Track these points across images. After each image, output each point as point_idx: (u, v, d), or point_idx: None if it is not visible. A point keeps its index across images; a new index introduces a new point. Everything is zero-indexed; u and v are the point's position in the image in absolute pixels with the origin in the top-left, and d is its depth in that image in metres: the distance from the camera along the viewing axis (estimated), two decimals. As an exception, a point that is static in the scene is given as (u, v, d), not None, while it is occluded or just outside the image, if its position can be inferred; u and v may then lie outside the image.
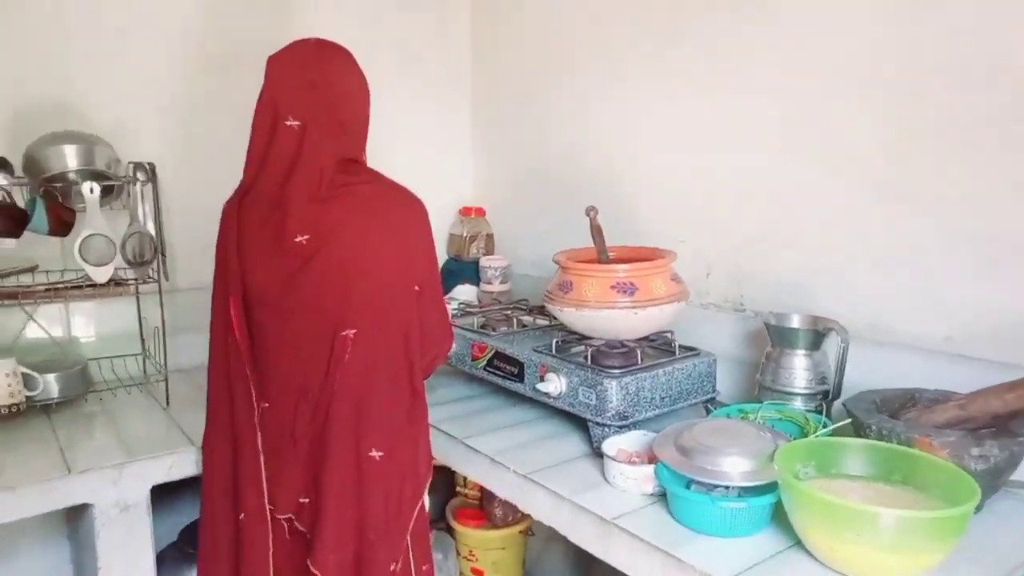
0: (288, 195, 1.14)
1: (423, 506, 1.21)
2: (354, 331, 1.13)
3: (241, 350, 1.18)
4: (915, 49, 1.22)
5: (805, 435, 1.13)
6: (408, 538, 1.18)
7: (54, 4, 1.59)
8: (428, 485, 1.21)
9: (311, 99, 1.15)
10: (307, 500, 1.16)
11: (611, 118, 1.78)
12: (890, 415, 1.07)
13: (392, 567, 1.15)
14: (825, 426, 1.12)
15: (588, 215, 1.36)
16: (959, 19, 1.17)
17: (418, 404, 1.20)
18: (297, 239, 1.13)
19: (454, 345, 1.36)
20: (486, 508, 1.85)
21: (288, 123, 1.14)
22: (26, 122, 1.54)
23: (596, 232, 1.37)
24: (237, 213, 1.20)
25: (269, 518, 1.19)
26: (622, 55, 1.73)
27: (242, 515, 1.19)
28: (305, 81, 1.15)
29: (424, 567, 1.22)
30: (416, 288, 1.19)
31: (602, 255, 1.39)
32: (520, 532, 1.86)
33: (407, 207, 1.20)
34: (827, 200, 1.36)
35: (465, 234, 2.13)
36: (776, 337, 1.30)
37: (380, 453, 1.14)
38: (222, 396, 1.22)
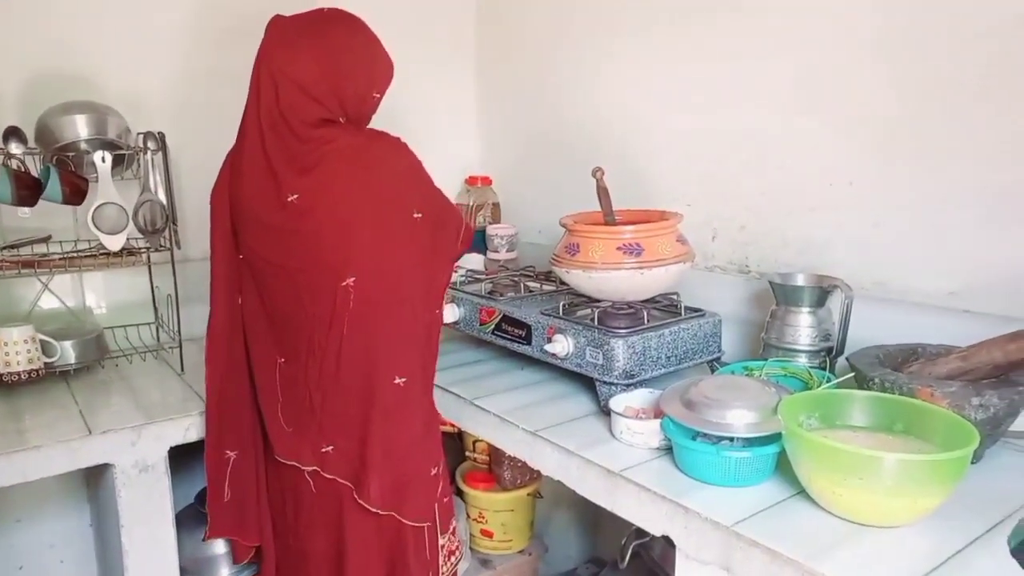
0: (271, 157, 1.18)
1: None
2: (353, 279, 1.16)
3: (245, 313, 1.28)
4: (922, 6, 1.22)
5: (809, 390, 1.15)
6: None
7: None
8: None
9: (290, 61, 1.16)
10: (330, 448, 1.21)
11: (617, 83, 1.78)
12: (893, 369, 1.09)
13: (433, 471, 1.26)
14: (829, 381, 1.14)
15: (595, 176, 1.37)
16: (965, -25, 1.17)
17: (432, 334, 1.27)
18: (289, 199, 1.16)
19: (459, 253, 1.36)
20: (495, 471, 1.88)
21: (265, 83, 1.17)
22: (39, 92, 1.55)
23: (603, 194, 1.38)
24: (229, 176, 1.25)
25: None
26: (628, 18, 1.73)
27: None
28: (289, 43, 1.17)
29: (445, 499, 1.30)
30: (417, 215, 1.20)
31: (608, 217, 1.40)
32: (528, 495, 1.89)
33: (389, 148, 1.21)
34: (832, 160, 1.37)
35: (471, 203, 2.14)
36: (781, 295, 1.32)
37: (404, 379, 1.21)
38: (235, 353, 1.29)
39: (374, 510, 1.20)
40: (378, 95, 1.26)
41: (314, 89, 1.16)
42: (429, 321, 1.26)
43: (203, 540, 1.41)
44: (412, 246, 1.21)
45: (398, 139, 1.23)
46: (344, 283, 1.16)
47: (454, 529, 1.36)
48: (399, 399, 1.21)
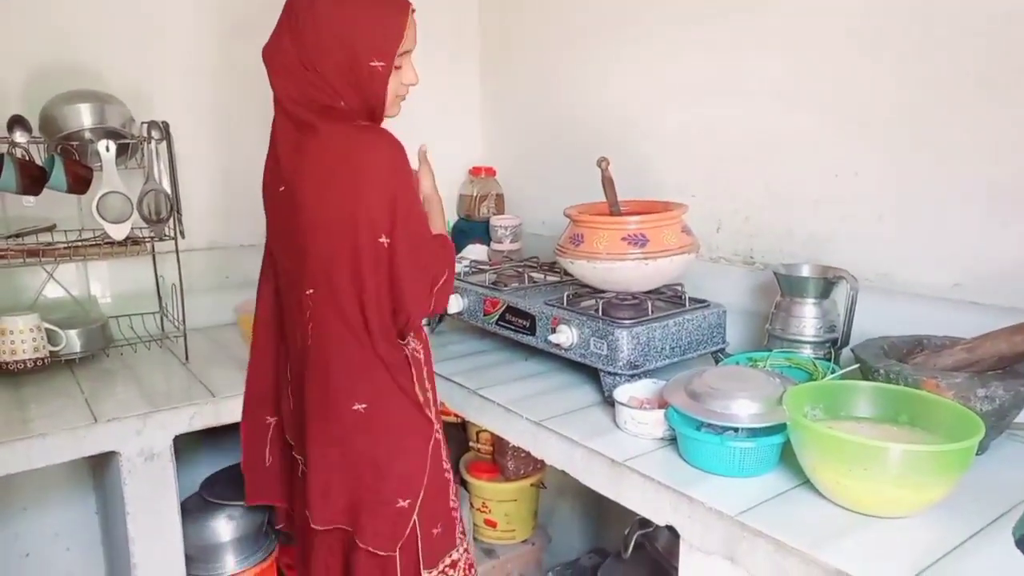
0: (274, 139, 1.14)
1: (437, 462, 1.18)
2: (312, 290, 1.11)
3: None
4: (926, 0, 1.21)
5: (814, 381, 1.14)
6: (423, 488, 1.15)
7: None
8: (432, 437, 1.17)
9: (282, 38, 1.11)
10: (302, 457, 1.20)
11: (622, 74, 1.78)
12: (898, 360, 1.08)
13: (401, 502, 1.13)
14: (834, 372, 1.14)
15: (600, 166, 1.37)
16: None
17: (394, 358, 1.13)
18: (280, 189, 1.13)
19: (431, 307, 1.16)
20: (498, 461, 1.89)
21: (265, 63, 1.13)
22: (43, 82, 1.56)
23: (608, 184, 1.38)
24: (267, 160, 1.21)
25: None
26: (633, 13, 1.72)
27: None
28: (279, 25, 1.12)
29: (435, 530, 1.18)
30: (383, 241, 1.06)
31: (613, 208, 1.40)
32: (532, 485, 1.90)
33: (372, 153, 1.06)
34: (837, 151, 1.36)
35: (475, 194, 2.14)
36: (786, 286, 1.31)
37: (363, 405, 1.11)
38: (274, 325, 1.28)
39: (317, 527, 1.14)
40: (379, 63, 1.09)
41: (294, 68, 1.09)
42: (377, 353, 1.12)
43: (245, 505, 1.41)
44: (372, 275, 1.08)
45: (386, 139, 1.07)
46: (307, 292, 1.12)
47: (454, 563, 1.23)
48: (358, 425, 1.12)
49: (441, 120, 2.16)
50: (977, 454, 0.88)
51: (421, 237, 1.13)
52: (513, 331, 1.47)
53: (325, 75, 1.09)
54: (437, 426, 1.20)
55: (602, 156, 1.36)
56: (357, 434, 1.13)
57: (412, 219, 1.10)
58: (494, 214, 2.12)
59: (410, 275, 1.10)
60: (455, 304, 1.57)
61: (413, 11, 1.13)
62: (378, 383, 1.13)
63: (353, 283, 1.08)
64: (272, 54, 1.12)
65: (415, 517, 1.14)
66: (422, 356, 1.22)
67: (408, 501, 1.14)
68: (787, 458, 0.99)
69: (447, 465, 1.23)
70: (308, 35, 1.08)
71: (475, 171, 2.17)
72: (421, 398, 1.17)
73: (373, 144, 1.07)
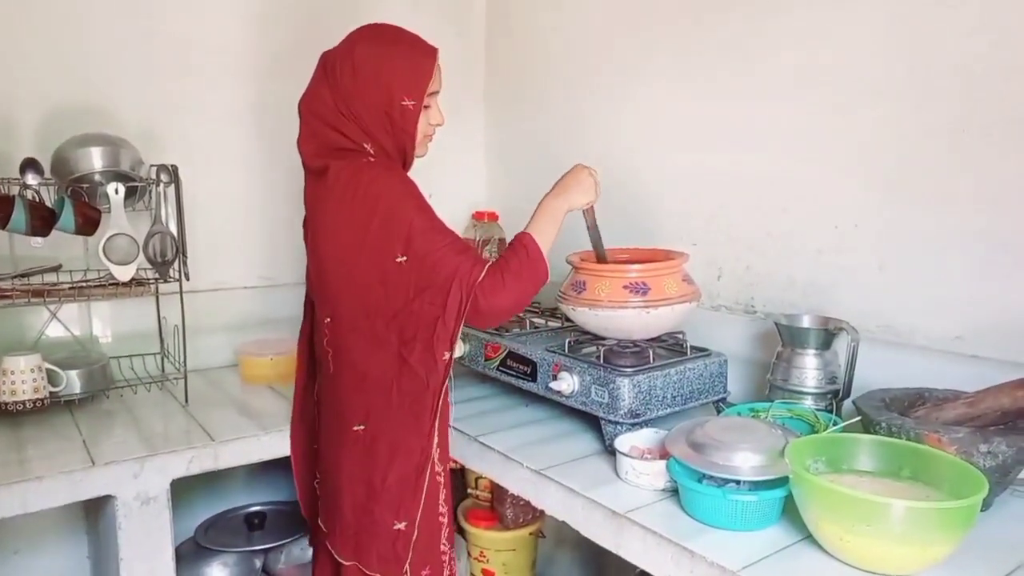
0: (305, 197, 1.24)
1: (433, 499, 1.20)
2: (329, 319, 1.20)
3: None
4: (925, 52, 1.24)
5: (815, 433, 1.14)
6: (419, 514, 1.16)
7: (83, 12, 1.64)
8: (428, 463, 1.16)
9: (320, 87, 1.18)
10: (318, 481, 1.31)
11: (624, 122, 1.81)
12: (899, 413, 1.08)
13: (396, 525, 1.16)
14: (835, 424, 1.14)
15: (585, 216, 1.36)
16: (969, 22, 1.19)
17: (408, 381, 1.14)
18: (307, 228, 1.25)
19: (483, 273, 1.10)
20: (497, 509, 1.86)
21: (300, 113, 1.21)
22: (56, 124, 1.58)
23: (593, 231, 1.37)
24: None
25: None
26: (636, 59, 1.76)
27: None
28: (323, 72, 1.19)
29: (423, 572, 1.20)
30: (401, 259, 1.09)
31: (601, 255, 1.40)
32: (531, 534, 1.87)
33: (371, 179, 1.11)
34: (838, 202, 1.38)
35: (478, 239, 2.15)
36: (787, 337, 1.32)
37: (362, 426, 1.18)
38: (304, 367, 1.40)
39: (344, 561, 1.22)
40: (411, 102, 1.15)
41: (330, 114, 1.16)
42: (389, 377, 1.15)
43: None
44: (384, 294, 1.12)
45: (391, 169, 1.15)
46: (325, 320, 1.21)
47: None
48: (355, 445, 1.18)
49: (445, 165, 2.18)
50: (981, 511, 0.87)
51: (431, 233, 1.10)
52: (514, 377, 1.46)
53: (361, 116, 1.15)
54: (439, 468, 1.22)
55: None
56: (352, 456, 1.19)
57: (423, 220, 1.11)
58: (496, 258, 2.13)
59: (436, 260, 1.09)
60: (457, 349, 1.57)
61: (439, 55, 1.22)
62: (380, 404, 1.16)
63: (375, 309, 1.13)
64: (309, 103, 1.19)
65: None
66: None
67: (405, 524, 1.16)
68: (790, 512, 0.98)
69: (443, 509, 1.24)
70: (346, 79, 1.14)
71: (478, 215, 2.19)
72: (427, 428, 1.16)
73: (381, 171, 1.13)
